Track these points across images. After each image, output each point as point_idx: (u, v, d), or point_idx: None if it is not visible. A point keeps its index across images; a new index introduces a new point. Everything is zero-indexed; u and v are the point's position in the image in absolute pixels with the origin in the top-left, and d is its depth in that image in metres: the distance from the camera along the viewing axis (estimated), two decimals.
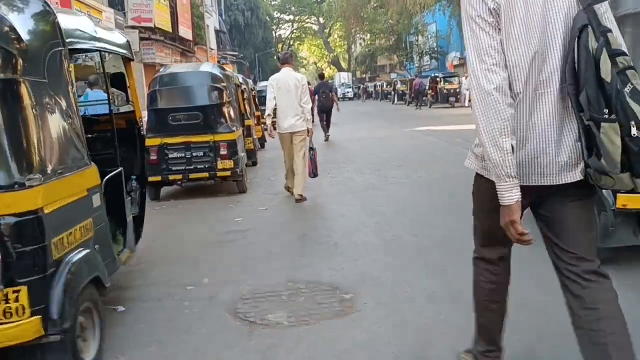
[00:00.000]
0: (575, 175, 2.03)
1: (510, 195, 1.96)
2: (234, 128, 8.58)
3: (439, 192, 7.84)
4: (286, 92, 7.57)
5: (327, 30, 71.87)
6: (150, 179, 8.35)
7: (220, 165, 8.36)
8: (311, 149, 7.92)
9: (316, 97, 15.64)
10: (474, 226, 2.46)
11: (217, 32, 43.00)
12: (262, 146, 15.31)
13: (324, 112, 16.55)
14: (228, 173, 8.40)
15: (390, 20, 43.55)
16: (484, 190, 2.17)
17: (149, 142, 8.30)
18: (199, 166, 8.38)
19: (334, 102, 16.65)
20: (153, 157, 8.37)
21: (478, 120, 1.99)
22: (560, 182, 2.03)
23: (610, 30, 1.91)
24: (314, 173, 7.95)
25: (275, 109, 7.70)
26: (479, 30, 1.99)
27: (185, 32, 29.38)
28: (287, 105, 7.60)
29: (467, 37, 2.03)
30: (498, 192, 1.98)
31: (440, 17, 41.72)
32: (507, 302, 2.48)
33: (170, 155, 8.36)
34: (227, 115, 8.56)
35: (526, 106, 2.02)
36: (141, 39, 24.11)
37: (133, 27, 23.42)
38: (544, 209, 2.18)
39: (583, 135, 1.96)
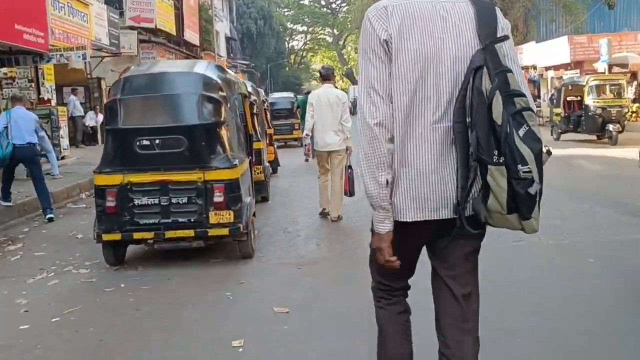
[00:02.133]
0: (452, 213, 2.03)
1: (382, 225, 2.04)
2: (237, 161, 5.61)
3: None
4: (327, 109, 7.30)
5: (341, 42, 69.99)
6: (105, 237, 5.42)
7: (213, 219, 5.39)
8: (349, 167, 7.36)
9: None
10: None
11: (227, 39, 40.47)
12: (275, 171, 12.36)
13: None
14: (225, 231, 5.42)
15: None
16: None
17: (103, 180, 5.37)
18: (180, 219, 5.41)
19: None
20: (110, 203, 5.40)
21: (360, 152, 2.04)
22: (443, 217, 2.03)
23: (510, 71, 1.91)
24: (351, 192, 7.34)
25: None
26: (368, 62, 2.02)
27: (192, 36, 26.68)
28: (327, 123, 7.33)
29: (360, 68, 2.07)
30: (373, 221, 2.07)
31: None
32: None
33: (136, 202, 5.39)
34: (226, 140, 5.60)
35: (410, 141, 2.02)
36: (140, 41, 21.42)
37: (131, 28, 20.75)
38: (437, 244, 2.18)
39: (471, 174, 1.96)
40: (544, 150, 1.89)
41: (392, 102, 1.99)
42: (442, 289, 2.18)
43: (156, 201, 5.39)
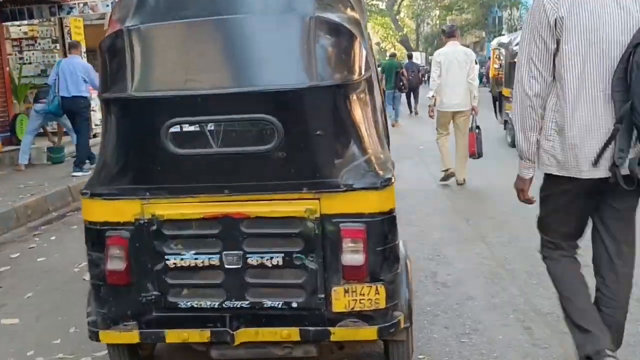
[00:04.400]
0: (606, 173, 2.26)
1: (527, 172, 2.46)
2: (389, 172, 2.52)
3: None
4: (456, 67, 7.03)
5: (395, 8, 66.05)
6: (107, 335, 2.48)
7: (340, 302, 2.39)
8: (477, 127, 7.16)
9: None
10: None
11: None
12: None
13: (412, 90, 17.45)
14: (369, 332, 2.42)
15: None
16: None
17: (100, 212, 2.39)
18: (268, 302, 2.42)
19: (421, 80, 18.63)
20: (115, 264, 2.46)
21: (515, 116, 2.41)
22: (604, 176, 2.26)
23: None
24: (478, 153, 7.15)
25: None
26: (534, 39, 2.30)
27: None
28: (456, 82, 7.03)
29: (523, 39, 2.36)
30: (520, 168, 2.48)
31: None
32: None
33: (171, 260, 2.43)
34: (365, 126, 2.52)
35: (578, 108, 2.26)
36: None
37: None
38: (598, 201, 2.42)
39: (631, 138, 2.20)
40: None
41: (555, 76, 2.30)
42: (598, 241, 2.46)
43: (215, 260, 2.42)
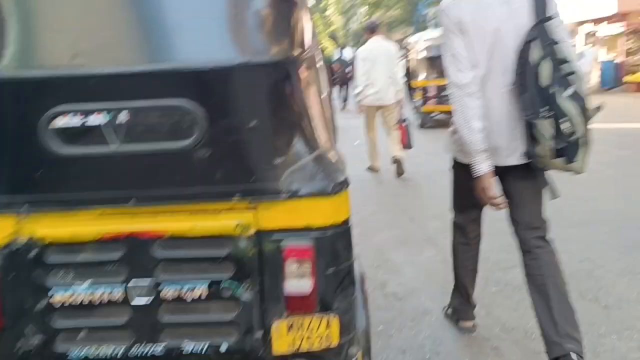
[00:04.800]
0: (520, 159, 2.48)
1: (483, 166, 2.46)
2: (342, 173, 1.99)
3: None
4: (380, 62, 7.10)
5: (323, 4, 65.99)
6: None
7: (282, 342, 1.86)
8: (404, 120, 7.31)
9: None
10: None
11: None
12: None
13: (344, 84, 17.69)
14: None
15: None
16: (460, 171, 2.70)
17: None
18: (187, 345, 1.86)
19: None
20: None
21: (454, 110, 2.52)
22: (509, 164, 2.50)
23: (556, 43, 2.33)
24: (408, 144, 7.27)
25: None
26: (452, 37, 2.47)
27: None
28: (380, 76, 7.11)
29: (445, 37, 2.51)
30: (474, 166, 2.49)
31: None
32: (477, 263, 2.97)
33: (59, 294, 1.82)
34: (311, 114, 1.95)
35: (488, 100, 2.47)
36: None
37: None
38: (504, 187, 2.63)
39: (525, 127, 2.39)
40: (593, 107, 2.33)
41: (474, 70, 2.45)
42: (514, 217, 2.62)
43: (117, 294, 1.84)
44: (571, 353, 2.36)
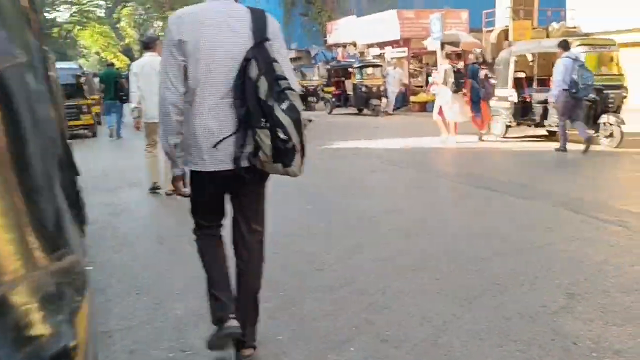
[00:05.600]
0: (245, 164, 2.63)
1: (175, 170, 2.75)
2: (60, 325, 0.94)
3: None
4: (155, 78, 6.07)
5: (115, 16, 62.78)
6: None
7: None
8: None
9: None
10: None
11: None
12: None
13: None
14: None
15: None
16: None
17: None
18: None
19: None
20: None
21: (160, 124, 2.71)
22: (230, 169, 2.63)
23: (275, 61, 2.58)
24: None
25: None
26: (169, 55, 2.61)
27: None
28: (153, 92, 6.41)
29: (163, 54, 2.67)
30: (171, 167, 2.78)
31: (262, 4, 36.40)
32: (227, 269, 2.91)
33: None
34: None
35: (207, 112, 2.62)
36: None
37: None
38: (231, 189, 2.82)
39: (248, 137, 2.58)
40: (306, 119, 2.59)
41: (190, 88, 2.62)
42: (235, 223, 2.85)
43: None
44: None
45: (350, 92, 19.98)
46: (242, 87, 2.54)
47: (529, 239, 4.70)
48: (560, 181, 7.39)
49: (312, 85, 22.78)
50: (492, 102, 11.69)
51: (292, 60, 31.79)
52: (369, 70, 19.79)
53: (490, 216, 5.59)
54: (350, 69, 20.17)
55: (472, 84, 11.44)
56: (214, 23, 2.59)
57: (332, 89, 21.23)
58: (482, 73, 11.46)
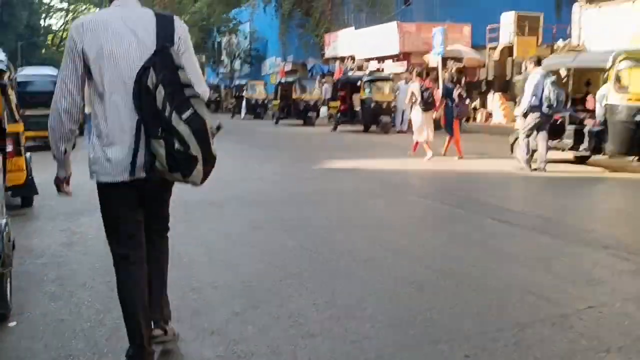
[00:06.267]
0: (143, 174, 2.57)
1: (60, 172, 2.75)
2: None
3: None
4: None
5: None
6: None
7: None
8: None
9: None
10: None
11: None
12: (28, 204, 6.78)
13: None
14: None
15: (204, 10, 36.47)
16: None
17: None
18: None
19: None
20: None
21: (50, 129, 2.65)
22: (138, 178, 2.57)
23: (180, 68, 2.50)
24: None
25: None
26: (68, 62, 2.57)
27: None
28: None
29: (63, 62, 2.62)
30: (57, 167, 2.75)
31: (259, 15, 35.70)
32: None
33: None
34: None
35: (112, 121, 2.57)
36: None
37: None
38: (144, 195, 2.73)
39: (141, 147, 2.53)
40: (214, 125, 2.54)
41: (93, 95, 2.60)
42: (146, 217, 2.78)
43: None
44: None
45: (357, 107, 18.51)
46: (141, 95, 2.48)
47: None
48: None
49: (312, 100, 21.70)
50: (517, 122, 10.41)
51: (290, 73, 30.87)
52: (379, 84, 18.31)
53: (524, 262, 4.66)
54: (358, 83, 18.56)
55: (447, 102, 11.23)
56: (116, 30, 2.55)
57: (337, 103, 19.56)
58: (456, 93, 11.39)
